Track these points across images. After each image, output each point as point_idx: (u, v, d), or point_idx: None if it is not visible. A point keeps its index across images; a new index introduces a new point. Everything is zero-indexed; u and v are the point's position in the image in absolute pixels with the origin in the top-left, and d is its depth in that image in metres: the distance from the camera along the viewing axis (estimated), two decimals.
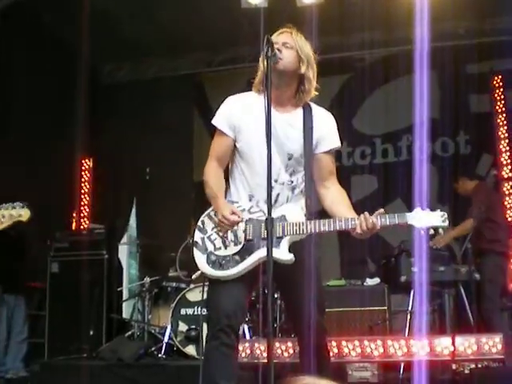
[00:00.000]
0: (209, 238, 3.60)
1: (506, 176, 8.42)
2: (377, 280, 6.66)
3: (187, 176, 9.41)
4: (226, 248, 3.55)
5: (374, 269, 8.31)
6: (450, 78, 8.68)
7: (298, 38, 3.58)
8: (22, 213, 3.87)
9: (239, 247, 3.53)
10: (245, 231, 3.54)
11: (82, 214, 9.86)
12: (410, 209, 8.44)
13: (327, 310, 6.22)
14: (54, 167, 8.80)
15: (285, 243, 3.42)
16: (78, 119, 10.05)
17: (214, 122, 3.69)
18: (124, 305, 8.14)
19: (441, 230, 3.46)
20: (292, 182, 3.60)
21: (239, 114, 3.62)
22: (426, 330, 5.96)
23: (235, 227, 3.53)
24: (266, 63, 3.24)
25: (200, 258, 3.57)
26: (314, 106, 3.67)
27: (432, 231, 3.48)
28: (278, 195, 3.57)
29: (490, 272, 6.75)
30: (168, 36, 9.12)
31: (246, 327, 6.49)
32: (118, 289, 8.00)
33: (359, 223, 3.36)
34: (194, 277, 3.55)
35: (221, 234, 3.56)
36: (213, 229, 3.62)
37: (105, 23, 8.57)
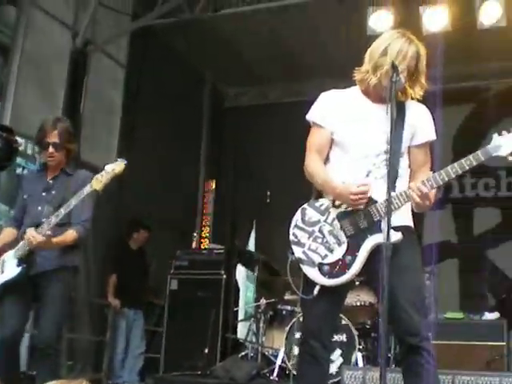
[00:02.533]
0: (309, 249, 3.53)
1: None
2: (496, 314, 6.45)
3: (307, 199, 9.45)
4: (332, 252, 3.47)
5: (493, 303, 8.05)
6: None
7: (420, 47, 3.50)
8: (116, 167, 4.10)
9: (345, 246, 3.46)
10: (342, 228, 3.47)
11: (202, 234, 10.10)
12: None
13: (446, 342, 6.16)
14: (180, 189, 9.11)
15: (384, 224, 3.23)
16: (203, 143, 10.40)
17: (310, 116, 3.68)
18: (239, 325, 8.23)
19: None
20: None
21: (335, 108, 3.60)
22: None
23: (330, 227, 3.49)
24: (390, 88, 3.26)
25: (313, 273, 3.49)
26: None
27: None
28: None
29: None
30: (293, 62, 9.27)
31: (359, 355, 6.42)
32: (235, 309, 8.10)
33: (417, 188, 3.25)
34: (315, 292, 3.50)
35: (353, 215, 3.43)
36: (309, 238, 3.54)
37: (230, 48, 8.85)
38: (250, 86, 10.49)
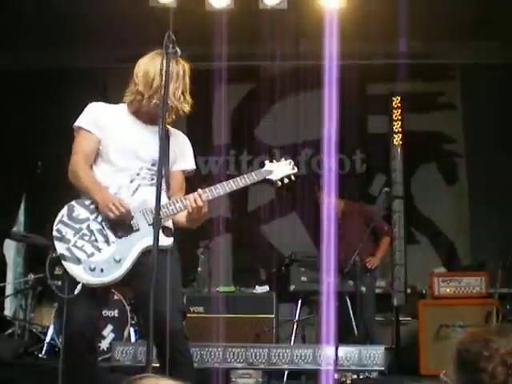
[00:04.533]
0: (75, 246, 3.48)
1: (397, 194, 8.64)
2: (266, 288, 6.69)
3: None
4: (99, 251, 3.47)
5: (264, 277, 8.36)
6: (349, 96, 8.85)
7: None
8: None
9: (114, 246, 3.48)
10: (113, 228, 3.50)
11: None
12: (305, 223, 8.56)
13: (216, 315, 6.28)
14: None
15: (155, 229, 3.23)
16: None
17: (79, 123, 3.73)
18: (7, 302, 7.85)
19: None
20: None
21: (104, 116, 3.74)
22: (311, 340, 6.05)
23: (99, 226, 3.50)
24: (166, 58, 3.26)
25: (76, 270, 3.43)
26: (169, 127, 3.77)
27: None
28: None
29: (373, 285, 6.95)
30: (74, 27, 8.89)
31: (131, 330, 6.38)
32: (1, 284, 7.73)
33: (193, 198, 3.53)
34: (77, 291, 3.40)
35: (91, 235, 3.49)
36: (75, 235, 3.50)
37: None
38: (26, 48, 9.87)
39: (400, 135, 8.69)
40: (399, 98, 8.57)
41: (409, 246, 8.35)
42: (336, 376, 5.57)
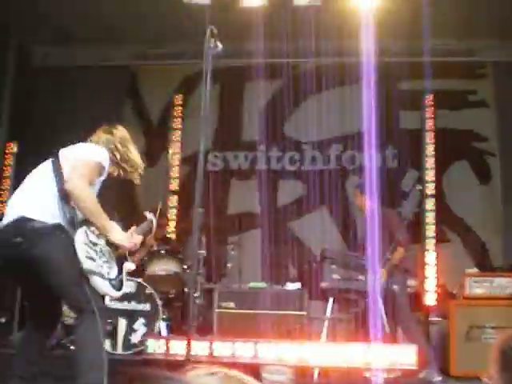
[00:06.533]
0: (99, 264, 3.96)
1: (429, 193, 8.60)
2: (298, 285, 6.69)
3: None
4: (111, 270, 4.06)
5: (294, 273, 8.36)
6: (382, 92, 8.81)
7: None
8: None
9: (116, 266, 4.14)
10: (111, 252, 4.16)
11: (1, 199, 9.59)
12: (334, 218, 8.51)
13: (247, 311, 6.30)
14: None
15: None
16: (6, 103, 9.80)
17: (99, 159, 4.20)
18: None
19: None
20: None
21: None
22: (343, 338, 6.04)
23: (106, 249, 4.10)
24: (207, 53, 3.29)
25: (102, 285, 3.91)
26: None
27: None
28: None
29: (404, 283, 6.87)
30: (105, 25, 8.95)
31: (163, 324, 6.42)
32: None
33: None
34: (107, 301, 4.10)
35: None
36: (96, 255, 3.96)
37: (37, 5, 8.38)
38: (58, 46, 9.99)
39: (433, 133, 8.66)
40: (432, 96, 8.53)
41: (440, 244, 8.32)
42: (367, 374, 5.57)
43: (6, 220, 3.93)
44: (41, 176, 4.09)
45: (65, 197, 3.92)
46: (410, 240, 6.82)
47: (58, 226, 3.86)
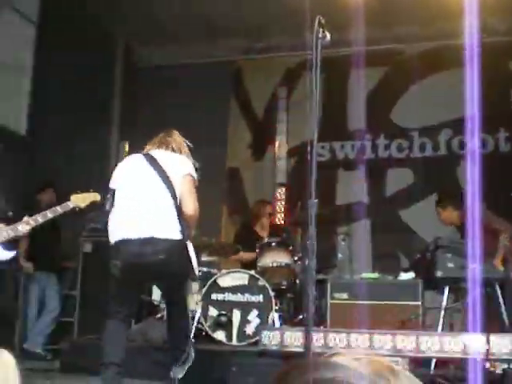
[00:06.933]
0: None
1: None
2: (411, 274, 6.58)
3: (219, 163, 9.44)
4: None
5: (405, 264, 8.23)
6: (491, 73, 8.55)
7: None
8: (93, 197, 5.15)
9: None
10: None
11: None
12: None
13: (360, 302, 6.26)
14: (92, 149, 8.86)
15: None
16: (116, 103, 10.12)
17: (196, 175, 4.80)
18: (154, 287, 8.13)
19: None
20: None
21: None
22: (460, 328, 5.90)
23: None
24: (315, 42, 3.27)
25: None
26: None
27: None
28: None
29: None
30: (206, 21, 9.10)
31: (276, 315, 6.46)
32: None
33: None
34: None
35: None
36: None
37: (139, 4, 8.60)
38: (163, 45, 10.22)
39: None
40: None
41: None
42: (486, 365, 5.43)
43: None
44: (159, 194, 4.66)
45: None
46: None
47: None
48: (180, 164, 4.76)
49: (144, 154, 4.88)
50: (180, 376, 4.99)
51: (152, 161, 4.76)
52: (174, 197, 4.60)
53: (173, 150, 4.87)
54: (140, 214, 4.61)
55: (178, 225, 4.55)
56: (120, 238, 4.69)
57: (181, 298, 5.01)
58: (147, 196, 4.66)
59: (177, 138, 5.00)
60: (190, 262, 4.70)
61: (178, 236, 4.55)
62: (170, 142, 4.94)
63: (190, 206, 4.63)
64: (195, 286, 5.60)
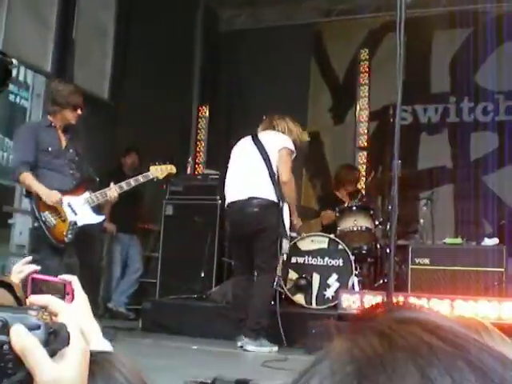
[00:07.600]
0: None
1: None
2: (495, 240, 6.44)
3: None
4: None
5: (489, 229, 8.04)
6: None
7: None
8: (171, 169, 5.84)
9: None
10: None
11: (197, 160, 10.02)
12: None
13: (442, 267, 6.17)
14: (174, 113, 8.95)
15: None
16: (196, 67, 10.18)
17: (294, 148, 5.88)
18: None
19: None
20: None
21: None
22: None
23: None
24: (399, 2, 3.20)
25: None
26: None
27: None
28: None
29: None
30: None
31: (355, 279, 6.44)
32: None
33: None
34: None
35: None
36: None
37: None
38: (244, 8, 10.19)
39: None
40: None
41: None
42: None
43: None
44: (256, 165, 5.76)
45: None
46: None
47: None
48: (277, 140, 5.80)
49: (252, 135, 5.94)
50: (250, 349, 5.47)
51: (256, 140, 5.86)
52: (270, 167, 5.65)
53: (277, 131, 5.91)
54: (242, 181, 5.75)
55: (272, 189, 5.59)
56: (229, 201, 5.84)
57: (270, 262, 5.64)
58: (248, 167, 5.78)
59: (278, 120, 5.99)
60: (283, 222, 5.61)
61: (271, 197, 5.59)
62: (274, 124, 5.95)
63: (284, 175, 5.66)
64: (286, 244, 5.64)
